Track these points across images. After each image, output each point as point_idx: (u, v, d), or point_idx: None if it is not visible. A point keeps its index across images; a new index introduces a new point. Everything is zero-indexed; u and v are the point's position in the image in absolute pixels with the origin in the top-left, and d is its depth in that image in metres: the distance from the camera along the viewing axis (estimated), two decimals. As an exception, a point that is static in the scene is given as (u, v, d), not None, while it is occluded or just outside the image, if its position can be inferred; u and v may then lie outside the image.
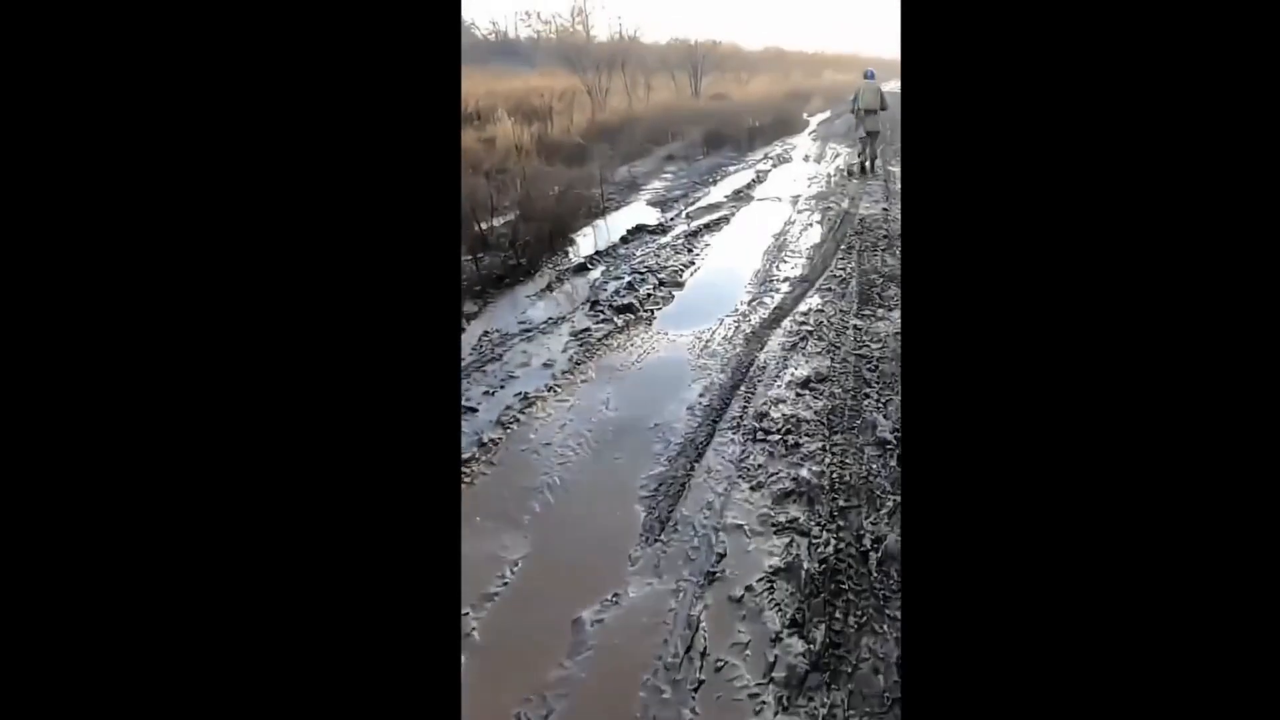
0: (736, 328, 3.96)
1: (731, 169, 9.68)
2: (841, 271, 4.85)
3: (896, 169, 8.89)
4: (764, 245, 5.64)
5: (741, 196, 7.69)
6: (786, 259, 5.24)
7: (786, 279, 4.71)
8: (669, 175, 9.17)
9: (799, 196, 7.63)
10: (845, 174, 8.97)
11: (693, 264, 5.26)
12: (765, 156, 10.78)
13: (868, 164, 8.61)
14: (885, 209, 6.82)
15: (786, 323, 3.99)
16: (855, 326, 3.88)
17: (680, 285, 4.79)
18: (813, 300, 4.33)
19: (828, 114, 18.69)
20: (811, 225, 6.23)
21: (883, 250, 5.33)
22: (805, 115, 18.03)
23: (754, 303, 4.33)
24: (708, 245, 5.74)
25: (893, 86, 13.14)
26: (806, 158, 10.72)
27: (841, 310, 4.12)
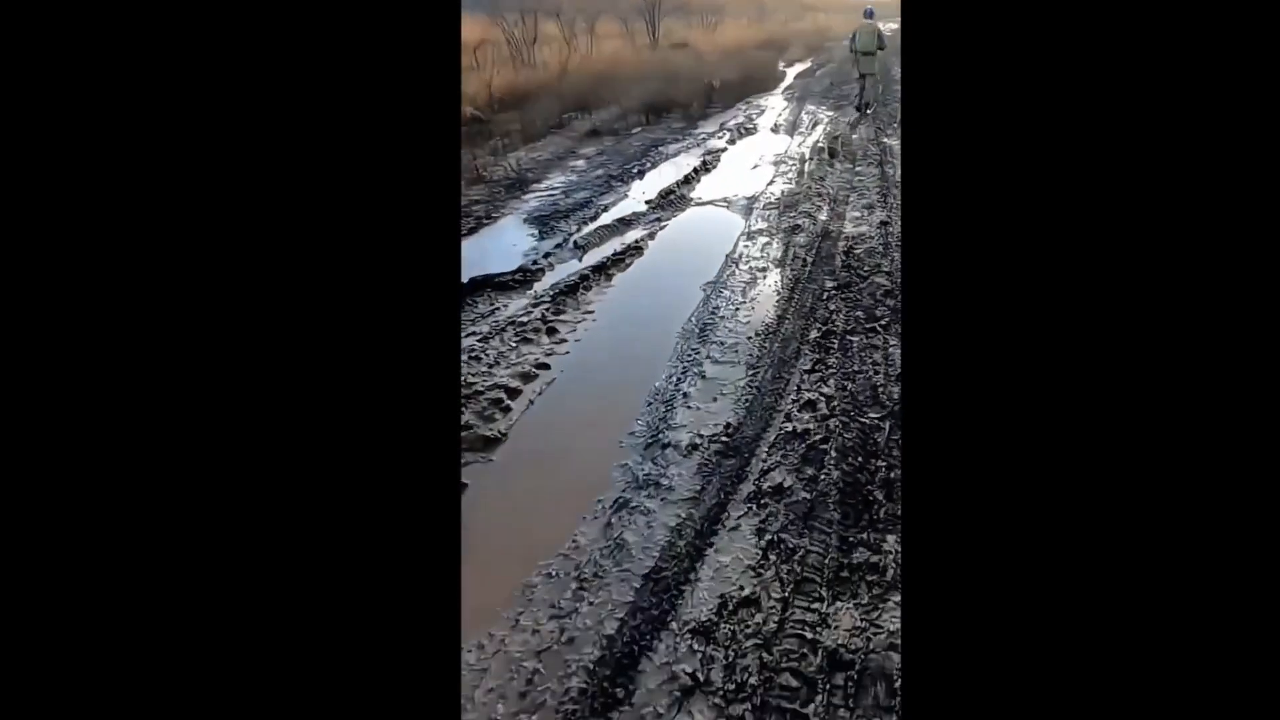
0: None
1: (672, 148, 7.19)
2: (811, 395, 2.51)
3: (897, 136, 6.39)
4: (675, 324, 3.26)
5: (669, 203, 5.24)
6: (710, 367, 2.87)
7: (693, 444, 2.33)
8: (581, 163, 6.67)
9: (755, 200, 5.21)
10: (826, 155, 6.53)
11: (515, 406, 2.88)
12: (721, 128, 8.25)
13: (865, 106, 8.27)
14: (884, 223, 4.44)
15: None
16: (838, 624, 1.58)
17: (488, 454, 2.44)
18: (734, 541, 1.99)
19: (808, 64, 15.96)
20: (765, 270, 3.83)
21: (884, 329, 2.99)
22: (781, 66, 15.31)
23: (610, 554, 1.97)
24: (582, 321, 3.34)
25: (892, 26, 10.63)
26: (776, 127, 8.22)
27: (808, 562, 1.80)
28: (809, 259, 3.90)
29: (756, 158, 6.65)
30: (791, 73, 14.20)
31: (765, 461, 2.17)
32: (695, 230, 4.70)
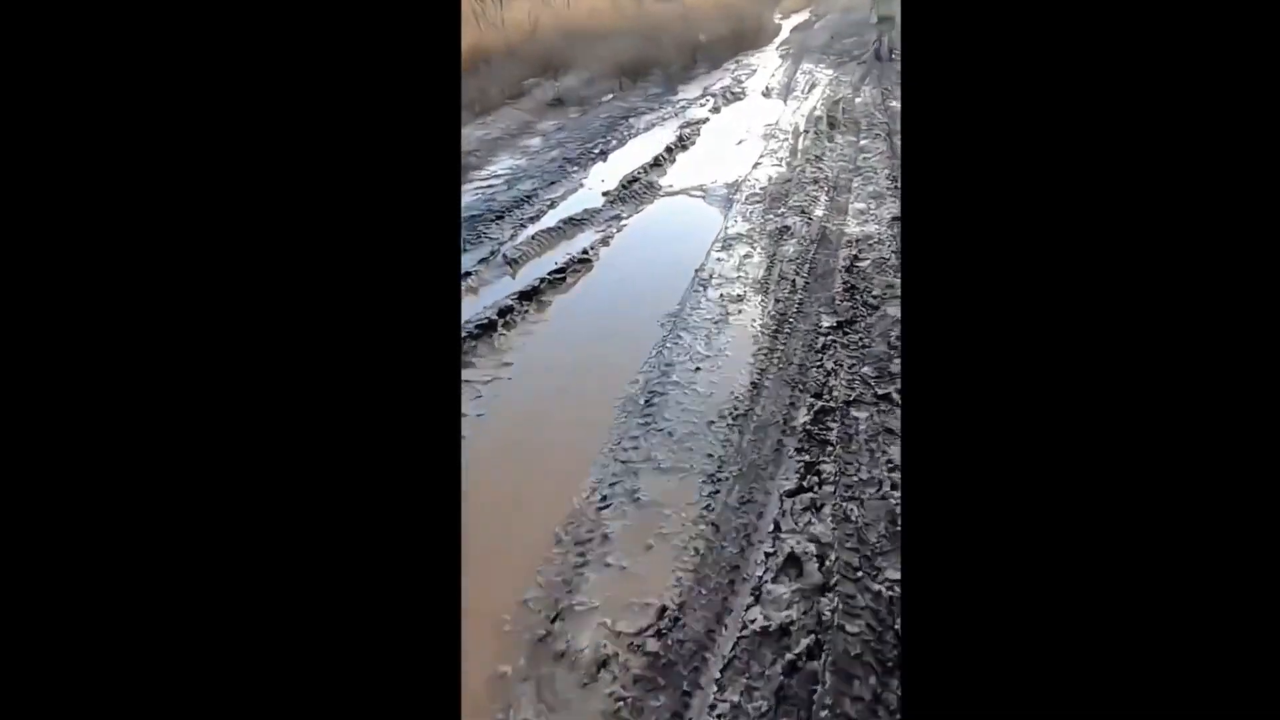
0: None
1: (645, 120, 6.16)
2: (796, 541, 1.63)
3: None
4: (616, 384, 2.35)
5: (632, 194, 4.28)
6: (648, 481, 1.98)
7: (600, 660, 1.45)
8: (535, 141, 5.66)
9: (737, 188, 4.25)
10: (825, 125, 5.51)
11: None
12: (705, 93, 7.18)
13: (884, 52, 8.11)
14: (898, 218, 3.51)
15: None
16: None
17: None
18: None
19: (805, 15, 14.64)
20: (741, 299, 2.91)
21: (901, 395, 2.08)
22: (776, 18, 14.02)
23: None
24: (492, 381, 2.43)
25: None
26: (768, 91, 7.15)
27: None
28: (799, 279, 2.98)
29: (743, 130, 5.64)
30: (787, 26, 12.94)
31: (715, 698, 1.30)
32: (660, 233, 3.77)
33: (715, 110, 6.46)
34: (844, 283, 2.91)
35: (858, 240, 3.36)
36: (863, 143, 5.05)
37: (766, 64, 8.83)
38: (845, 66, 8.11)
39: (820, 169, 4.44)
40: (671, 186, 4.41)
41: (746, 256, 3.27)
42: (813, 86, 7.11)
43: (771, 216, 3.72)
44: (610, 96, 7.17)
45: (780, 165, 4.60)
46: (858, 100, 6.45)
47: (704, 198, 4.19)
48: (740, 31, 10.67)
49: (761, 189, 4.17)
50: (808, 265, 3.11)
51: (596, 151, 5.20)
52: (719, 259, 3.27)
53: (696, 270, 3.16)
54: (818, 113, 5.91)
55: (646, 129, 5.86)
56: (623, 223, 3.85)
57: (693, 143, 5.41)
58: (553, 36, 9.35)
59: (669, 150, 5.11)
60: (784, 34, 11.79)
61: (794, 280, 2.97)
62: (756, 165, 4.63)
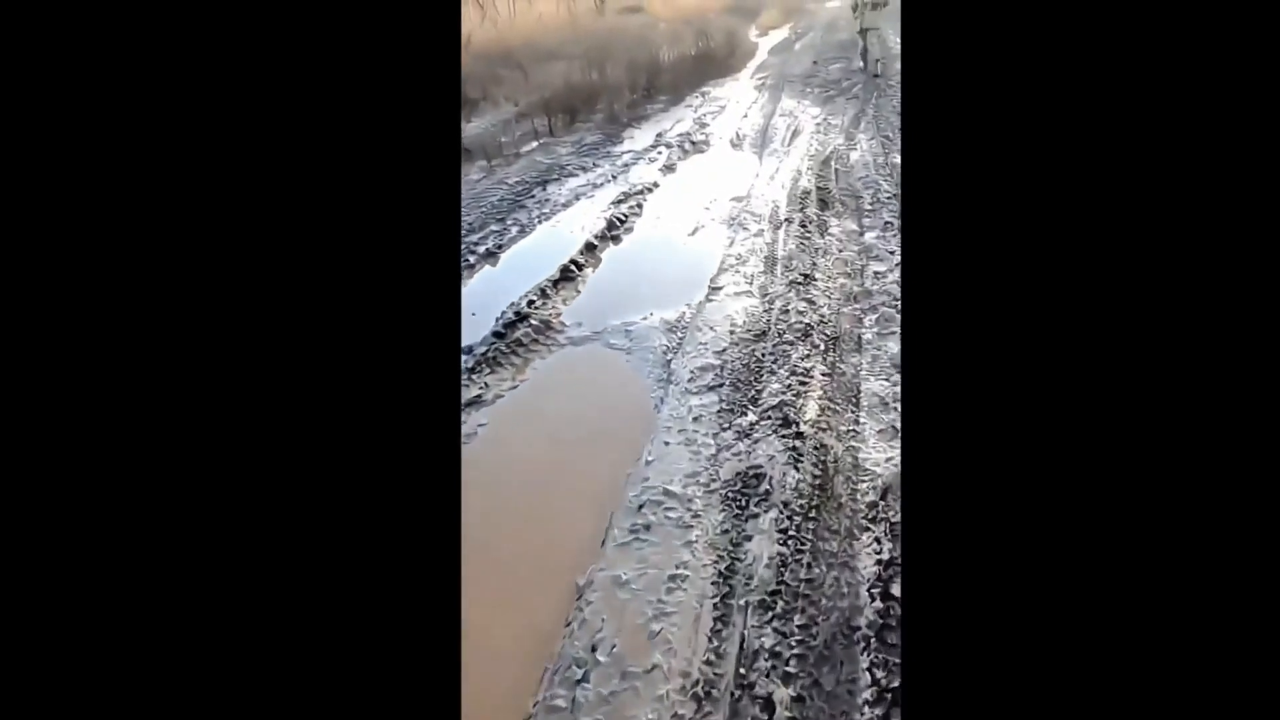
0: None
1: (570, 186, 4.55)
2: None
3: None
4: None
5: (510, 349, 2.64)
6: None
7: None
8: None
9: (679, 334, 2.63)
10: (815, 205, 3.95)
11: None
12: (658, 142, 5.59)
13: (872, 64, 7.68)
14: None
15: None
16: None
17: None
18: None
19: (785, 32, 13.18)
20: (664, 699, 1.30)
21: None
22: (754, 34, 12.55)
23: None
24: None
25: None
26: (738, 139, 5.58)
27: None
28: (790, 651, 1.39)
29: (701, 208, 4.06)
30: (765, 45, 11.44)
31: None
32: (539, 450, 2.15)
33: (669, 167, 4.88)
34: (873, 677, 1.32)
35: (888, 488, 1.79)
36: (869, 236, 3.51)
37: (738, 97, 7.28)
38: (834, 103, 6.59)
39: (810, 298, 2.86)
40: (579, 326, 2.80)
41: (676, 583, 1.64)
42: (795, 134, 5.57)
43: (729, 434, 2.12)
44: (535, 145, 5.55)
45: (750, 289, 3.00)
46: (853, 156, 4.93)
47: (627, 353, 2.59)
48: (709, 53, 9.14)
49: (719, 351, 2.58)
50: (799, 604, 1.52)
51: (483, 252, 3.56)
52: (617, 574, 1.65)
53: (579, 587, 1.55)
54: (803, 182, 4.35)
55: (570, 201, 4.25)
56: (482, 413, 2.23)
57: (629, 227, 3.82)
58: (485, 57, 7.73)
59: (591, 247, 3.51)
60: (760, 55, 10.28)
61: (771, 663, 1.37)
62: (714, 289, 3.03)
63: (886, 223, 3.69)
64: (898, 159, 4.79)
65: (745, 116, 6.28)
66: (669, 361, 2.50)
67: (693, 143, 5.47)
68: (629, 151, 5.29)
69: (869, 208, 3.95)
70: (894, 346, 2.51)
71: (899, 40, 10.28)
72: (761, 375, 2.37)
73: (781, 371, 2.36)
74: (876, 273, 3.11)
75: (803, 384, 2.30)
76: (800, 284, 2.97)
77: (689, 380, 2.39)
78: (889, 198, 4.08)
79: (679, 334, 2.68)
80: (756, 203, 4.06)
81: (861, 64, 7.84)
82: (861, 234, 3.59)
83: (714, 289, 3.00)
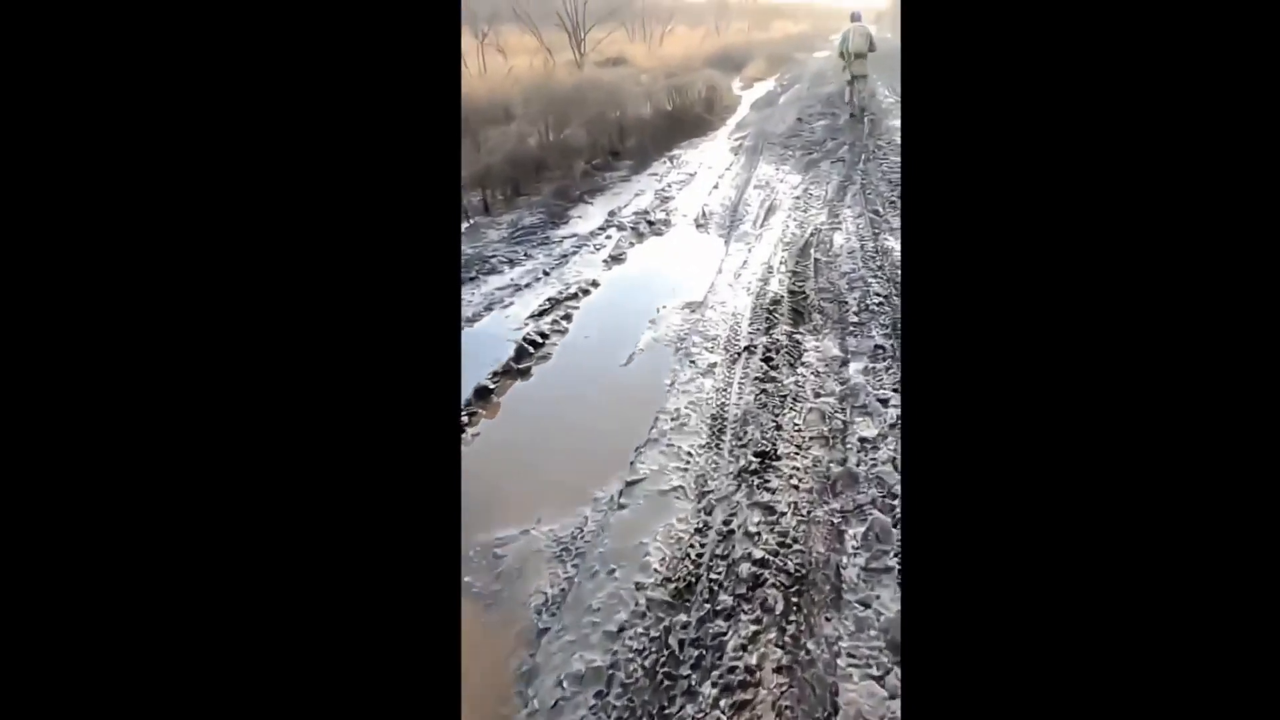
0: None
1: (487, 289, 3.70)
2: None
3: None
4: None
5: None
6: None
7: None
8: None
9: (535, 651, 1.72)
10: (788, 318, 3.10)
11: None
12: (610, 220, 4.78)
13: (857, 111, 7.62)
14: None
15: None
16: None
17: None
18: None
19: (770, 84, 12.63)
20: None
21: None
22: (737, 87, 11.99)
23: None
24: None
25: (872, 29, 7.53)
26: (704, 218, 4.77)
27: None
28: None
29: (645, 320, 3.20)
30: (749, 98, 10.83)
31: None
32: None
33: (615, 259, 4.05)
34: None
35: None
36: (854, 370, 2.64)
37: (712, 161, 6.53)
38: (817, 168, 5.83)
39: (769, 499, 1.96)
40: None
41: None
42: (771, 210, 4.76)
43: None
44: (464, 227, 4.73)
45: (683, 483, 2.09)
46: (837, 239, 4.12)
47: (486, 608, 1.67)
48: (685, 109, 8.45)
49: (610, 636, 1.66)
50: None
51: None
52: None
53: None
54: (774, 282, 3.50)
55: (480, 313, 3.39)
56: None
57: (545, 354, 2.95)
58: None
59: (484, 393, 2.63)
60: (742, 110, 9.63)
61: None
62: (629, 488, 2.12)
63: (877, 346, 2.83)
64: (890, 242, 3.99)
65: (716, 187, 5.50)
66: (533, 655, 1.58)
67: (650, 223, 4.65)
68: (572, 236, 4.46)
69: (855, 318, 3.10)
70: (894, 604, 1.61)
71: (887, 90, 9.72)
72: (674, 697, 1.45)
73: (706, 686, 1.44)
74: (865, 440, 2.23)
75: (742, 704, 1.38)
76: (756, 471, 2.07)
77: (552, 708, 1.45)
78: (879, 303, 3.24)
79: (559, 586, 1.76)
80: (713, 315, 3.20)
81: (850, 114, 7.77)
82: (845, 362, 2.72)
83: (630, 484, 2.09)
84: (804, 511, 1.93)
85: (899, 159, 5.57)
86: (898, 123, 7.27)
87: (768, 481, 2.03)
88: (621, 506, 1.98)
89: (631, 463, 2.18)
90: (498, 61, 11.86)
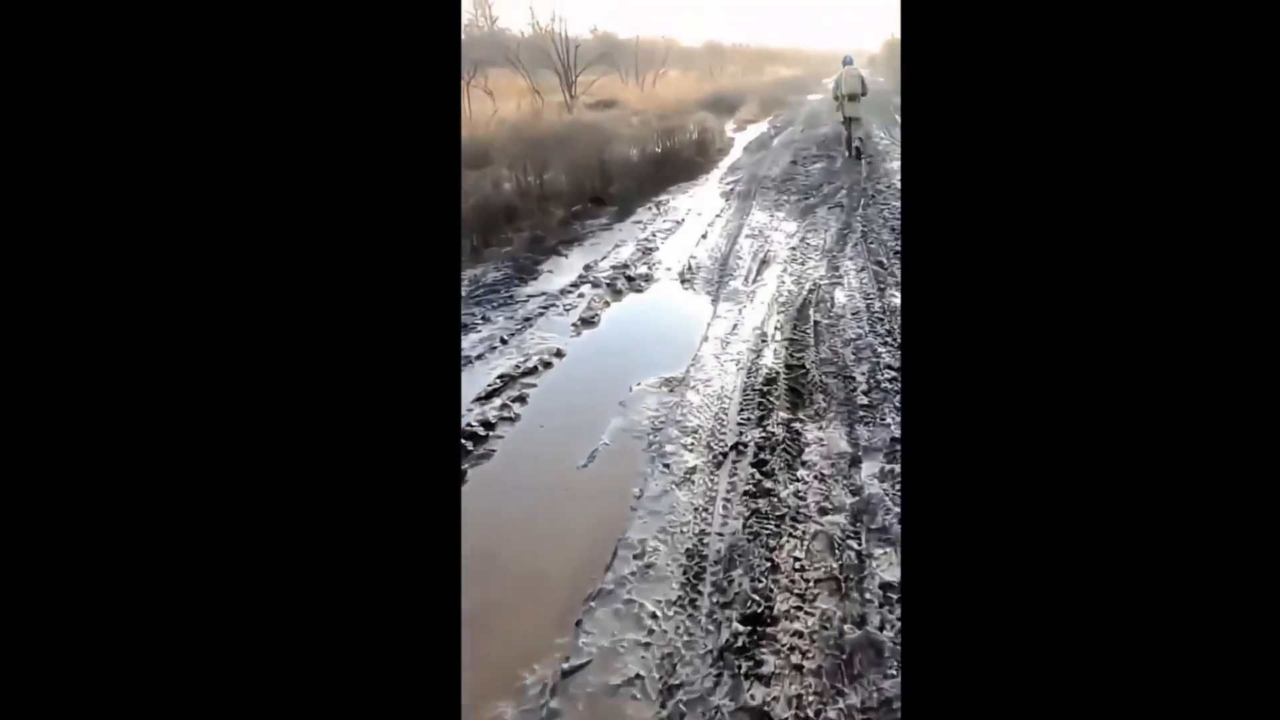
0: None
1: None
2: None
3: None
4: None
5: None
6: None
7: None
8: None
9: None
10: (785, 400, 2.56)
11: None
12: (584, 276, 4.27)
13: (852, 151, 7.52)
14: None
15: None
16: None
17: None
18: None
19: (764, 126, 12.38)
20: None
21: None
22: (730, 130, 11.71)
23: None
24: None
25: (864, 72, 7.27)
26: (689, 273, 4.28)
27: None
28: None
29: (616, 399, 2.67)
30: (741, 141, 10.52)
31: None
32: None
33: (586, 322, 3.54)
34: None
35: None
36: (867, 473, 2.10)
37: (700, 207, 6.09)
38: (814, 214, 5.38)
39: (762, 673, 1.39)
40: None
41: None
42: (764, 263, 4.28)
43: None
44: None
45: (644, 694, 1.52)
46: (839, 297, 3.62)
47: None
48: (675, 152, 8.09)
49: None
50: None
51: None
52: None
53: None
54: (768, 354, 2.98)
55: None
56: None
57: (489, 449, 2.41)
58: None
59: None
60: (735, 153, 9.28)
61: None
62: (566, 680, 1.55)
63: (894, 440, 2.30)
64: (896, 299, 3.49)
65: (704, 237, 5.03)
66: None
67: (629, 279, 4.16)
68: (540, 294, 3.96)
69: (864, 399, 2.57)
70: None
71: (883, 133, 9.41)
72: None
73: None
74: (887, 585, 1.67)
75: None
76: (742, 649, 1.51)
77: None
78: (892, 378, 2.71)
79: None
80: (694, 399, 2.66)
81: (846, 154, 7.65)
82: (856, 461, 2.19)
83: (567, 673, 1.51)
84: (810, 712, 1.36)
85: (899, 203, 5.13)
86: (896, 164, 6.89)
87: (760, 665, 1.46)
88: (553, 715, 1.40)
89: (578, 622, 1.61)
90: (486, 104, 11.60)
